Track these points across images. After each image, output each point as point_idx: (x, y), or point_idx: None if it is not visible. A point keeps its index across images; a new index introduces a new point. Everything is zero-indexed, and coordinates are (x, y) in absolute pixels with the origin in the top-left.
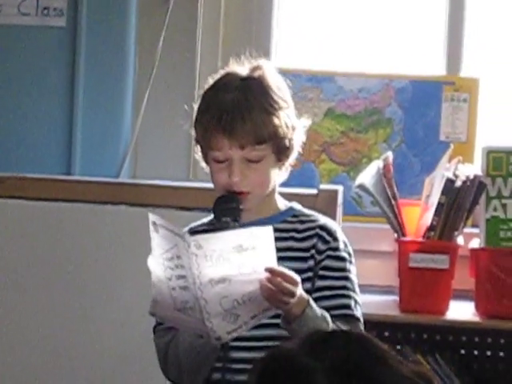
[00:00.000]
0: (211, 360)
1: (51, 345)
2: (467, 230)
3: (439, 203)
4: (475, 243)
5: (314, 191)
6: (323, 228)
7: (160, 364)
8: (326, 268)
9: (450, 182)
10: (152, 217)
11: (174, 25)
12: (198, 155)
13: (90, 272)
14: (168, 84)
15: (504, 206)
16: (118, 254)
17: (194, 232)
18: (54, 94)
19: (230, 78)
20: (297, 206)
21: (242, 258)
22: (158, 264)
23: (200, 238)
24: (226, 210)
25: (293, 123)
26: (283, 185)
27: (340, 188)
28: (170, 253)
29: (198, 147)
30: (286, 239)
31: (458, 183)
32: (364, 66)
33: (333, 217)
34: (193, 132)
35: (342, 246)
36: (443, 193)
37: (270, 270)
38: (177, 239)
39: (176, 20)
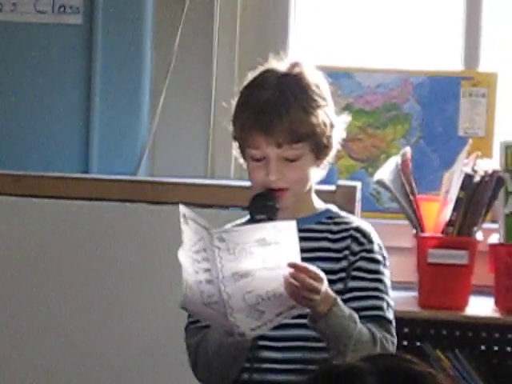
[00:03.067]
0: (241, 360)
1: (68, 343)
2: (486, 225)
3: (458, 198)
4: (494, 238)
5: (332, 187)
6: (358, 230)
7: (190, 364)
8: (359, 269)
9: (468, 178)
10: (182, 209)
11: (190, 22)
12: (236, 151)
13: (109, 270)
14: (185, 81)
15: None
16: (137, 252)
17: None
18: (70, 92)
19: (268, 74)
20: (333, 208)
21: (266, 252)
22: (187, 257)
23: (223, 230)
24: (262, 208)
25: (331, 121)
26: None
27: (358, 184)
28: (197, 245)
29: (236, 144)
30: (319, 239)
31: (477, 178)
32: (381, 61)
33: (351, 213)
34: (230, 128)
35: (376, 248)
36: (462, 188)
37: (293, 266)
38: (203, 232)
39: (192, 17)
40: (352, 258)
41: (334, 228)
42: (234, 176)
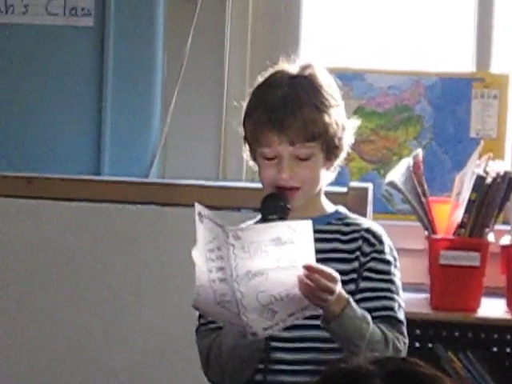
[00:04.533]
0: (254, 361)
1: (75, 342)
2: (498, 226)
3: (470, 200)
4: (506, 240)
5: (344, 189)
6: (369, 231)
7: (202, 365)
8: (370, 270)
9: (480, 179)
10: (198, 207)
11: (202, 22)
12: (246, 153)
13: (121, 272)
14: (197, 83)
15: None
16: (148, 254)
17: None
18: (82, 94)
19: (279, 75)
20: (343, 209)
21: (280, 251)
22: (200, 256)
23: (238, 228)
24: (274, 208)
25: (343, 122)
26: None
27: (370, 186)
28: (212, 244)
29: (246, 145)
30: (330, 241)
31: (489, 180)
32: (393, 63)
33: (363, 215)
34: (241, 130)
35: (387, 249)
36: (474, 190)
37: (308, 267)
38: (218, 230)
39: (204, 18)
40: (363, 259)
41: (345, 229)
42: (246, 178)
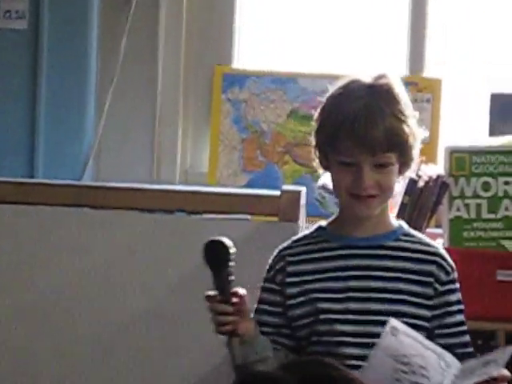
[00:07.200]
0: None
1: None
2: (430, 230)
3: (402, 203)
4: (439, 243)
5: (277, 192)
6: (442, 257)
7: None
8: (451, 304)
9: (412, 182)
10: (394, 322)
11: (135, 26)
12: (316, 162)
13: (53, 275)
14: (130, 86)
15: (467, 206)
16: (81, 257)
17: (297, 246)
18: (15, 97)
19: (356, 84)
20: (403, 223)
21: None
22: (383, 362)
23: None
24: (217, 261)
25: (417, 133)
26: (245, 186)
27: (303, 189)
28: (408, 358)
29: (317, 151)
30: (400, 259)
31: (421, 183)
32: (326, 67)
33: (296, 218)
34: (312, 138)
35: (456, 275)
36: (406, 193)
37: None
38: (425, 352)
39: (138, 22)
40: (440, 288)
41: (411, 246)
42: (180, 180)
